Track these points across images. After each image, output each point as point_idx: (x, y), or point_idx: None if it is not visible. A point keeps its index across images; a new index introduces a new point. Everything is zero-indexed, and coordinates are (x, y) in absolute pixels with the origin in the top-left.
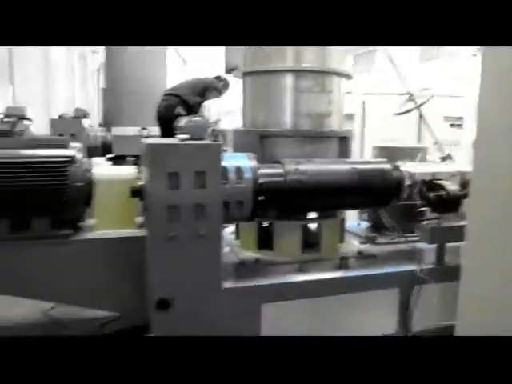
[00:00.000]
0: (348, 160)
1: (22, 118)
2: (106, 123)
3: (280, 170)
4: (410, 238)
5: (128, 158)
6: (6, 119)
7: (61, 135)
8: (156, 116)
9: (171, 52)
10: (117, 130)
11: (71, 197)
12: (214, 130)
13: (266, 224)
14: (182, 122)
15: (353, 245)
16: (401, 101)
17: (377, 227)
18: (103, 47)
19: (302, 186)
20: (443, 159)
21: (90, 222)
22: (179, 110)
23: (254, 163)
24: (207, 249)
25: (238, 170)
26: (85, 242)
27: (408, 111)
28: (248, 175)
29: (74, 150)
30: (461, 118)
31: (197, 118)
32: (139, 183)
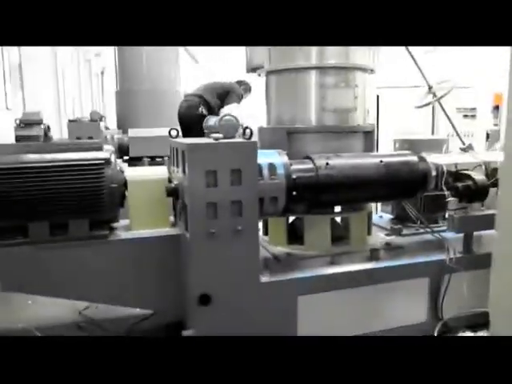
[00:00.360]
0: (375, 153)
1: (39, 122)
2: (120, 125)
3: (311, 166)
4: (435, 229)
5: (144, 159)
6: (22, 125)
7: (78, 138)
8: (178, 116)
9: (182, 52)
10: (133, 132)
11: (108, 198)
12: (246, 128)
13: (293, 219)
14: (211, 121)
15: (379, 237)
16: (421, 93)
17: (400, 219)
18: (113, 50)
19: (332, 180)
20: (464, 150)
21: (123, 222)
22: (202, 109)
23: (285, 159)
24: (245, 244)
25: (271, 167)
26: (122, 241)
27: (428, 104)
28: (281, 171)
29: (108, 153)
30: (474, 109)
31: (228, 117)
32: (174, 183)
